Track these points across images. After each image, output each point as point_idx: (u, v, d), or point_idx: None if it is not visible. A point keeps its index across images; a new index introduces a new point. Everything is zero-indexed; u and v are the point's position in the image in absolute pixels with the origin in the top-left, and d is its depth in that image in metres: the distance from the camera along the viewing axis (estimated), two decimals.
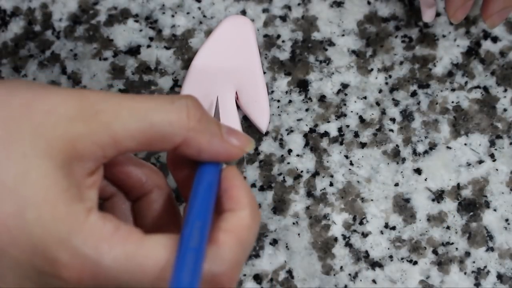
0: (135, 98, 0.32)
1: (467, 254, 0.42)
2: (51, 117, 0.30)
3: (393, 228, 0.42)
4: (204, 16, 0.47)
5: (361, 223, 0.42)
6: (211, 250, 0.31)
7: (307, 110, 0.45)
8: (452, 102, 0.45)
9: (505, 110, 0.45)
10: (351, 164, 0.44)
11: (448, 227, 0.42)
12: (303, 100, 0.45)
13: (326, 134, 0.44)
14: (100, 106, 0.31)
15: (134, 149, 0.32)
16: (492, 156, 0.44)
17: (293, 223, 0.42)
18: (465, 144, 0.44)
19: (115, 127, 0.31)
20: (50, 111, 0.31)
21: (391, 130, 0.44)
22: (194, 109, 0.32)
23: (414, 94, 0.45)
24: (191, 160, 0.34)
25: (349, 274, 0.41)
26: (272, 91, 0.45)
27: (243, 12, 0.47)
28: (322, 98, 0.45)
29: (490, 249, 0.42)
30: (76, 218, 0.30)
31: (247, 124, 0.44)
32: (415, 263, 0.42)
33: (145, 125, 0.31)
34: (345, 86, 0.45)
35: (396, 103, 0.45)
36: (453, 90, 0.45)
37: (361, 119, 0.45)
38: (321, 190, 0.43)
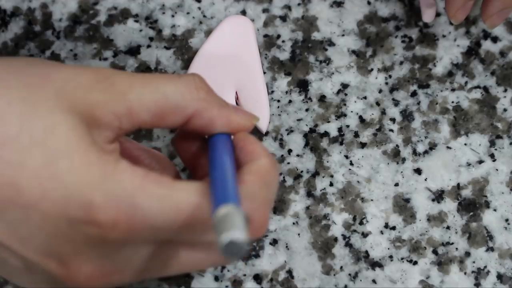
0: (146, 74, 0.33)
1: (467, 254, 0.42)
2: (70, 84, 0.31)
3: (393, 228, 0.42)
4: (204, 16, 0.47)
5: (361, 223, 0.42)
6: (241, 188, 0.31)
7: (307, 110, 0.45)
8: (452, 102, 0.45)
9: (505, 110, 0.45)
10: (351, 164, 0.44)
11: (448, 227, 0.42)
12: (303, 100, 0.45)
13: (326, 134, 0.44)
14: (115, 78, 0.32)
15: (148, 122, 0.32)
16: (492, 156, 0.44)
17: (293, 223, 0.42)
18: (465, 144, 0.44)
19: (130, 97, 0.31)
20: (69, 79, 0.31)
21: (391, 130, 0.44)
22: (201, 82, 0.34)
23: (414, 94, 0.45)
24: (197, 138, 0.35)
25: (349, 274, 0.41)
26: (272, 91, 0.45)
27: (243, 12, 0.47)
28: (322, 98, 0.45)
29: (490, 249, 0.42)
30: (107, 163, 0.30)
31: None
32: (415, 263, 0.42)
33: (159, 96, 0.32)
34: (345, 86, 0.45)
35: (396, 103, 0.45)
36: (453, 90, 0.45)
37: (361, 119, 0.45)
38: (321, 190, 0.43)
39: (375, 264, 0.42)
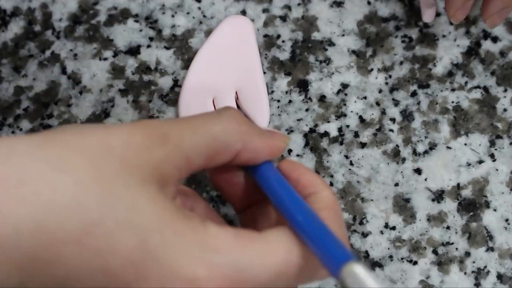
0: (188, 118, 0.32)
1: (467, 254, 0.42)
2: (130, 148, 0.30)
3: (393, 228, 0.42)
4: (204, 16, 0.47)
5: (361, 223, 0.42)
6: None
7: (307, 110, 0.45)
8: (452, 102, 0.45)
9: (505, 110, 0.45)
10: (351, 164, 0.44)
11: (448, 227, 0.42)
12: (303, 100, 0.45)
13: (326, 134, 0.44)
14: (165, 129, 0.31)
15: (202, 165, 0.32)
16: (492, 156, 0.44)
17: None
18: (465, 144, 0.44)
19: (186, 147, 0.31)
20: (127, 142, 0.30)
21: (391, 130, 0.44)
22: (240, 116, 0.33)
23: (414, 94, 0.45)
24: (234, 169, 0.35)
25: None
26: (272, 91, 0.45)
27: (243, 12, 0.47)
28: (322, 98, 0.45)
29: (490, 249, 0.42)
30: (197, 231, 0.30)
31: None
32: (415, 263, 0.42)
33: (209, 138, 0.32)
34: (345, 86, 0.45)
35: (396, 103, 0.45)
36: (453, 90, 0.45)
37: (361, 119, 0.45)
38: None
39: (375, 264, 0.42)
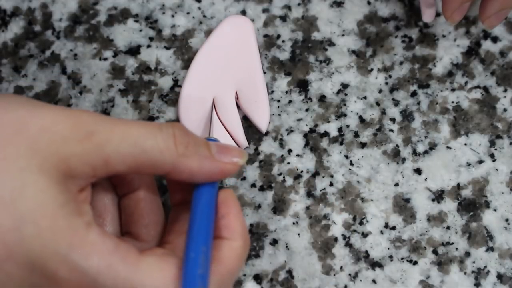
0: (127, 123, 0.32)
1: (467, 254, 0.42)
2: (45, 134, 0.30)
3: (393, 228, 0.42)
4: (204, 16, 0.47)
5: (361, 223, 0.42)
6: (214, 267, 0.32)
7: (307, 110, 0.45)
8: (452, 102, 0.45)
9: (505, 110, 0.45)
10: (351, 164, 0.44)
11: (448, 227, 0.42)
12: (303, 100, 0.45)
13: (326, 134, 0.44)
14: (94, 127, 0.31)
15: (123, 172, 0.32)
16: (492, 156, 0.44)
17: (293, 223, 0.42)
18: (465, 144, 0.44)
19: (107, 150, 0.31)
20: (45, 128, 0.31)
21: (391, 130, 0.44)
22: (181, 136, 0.33)
23: (414, 94, 0.45)
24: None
25: (349, 274, 0.41)
26: (272, 91, 0.45)
27: (243, 12, 0.47)
28: (322, 98, 0.45)
29: (490, 249, 0.42)
30: (75, 232, 0.30)
31: (247, 124, 0.44)
32: (415, 263, 0.42)
33: (137, 150, 0.32)
34: (345, 86, 0.45)
35: (396, 103, 0.45)
36: (453, 90, 0.45)
37: (361, 119, 0.45)
38: (321, 190, 0.43)
39: (375, 264, 0.42)
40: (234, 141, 0.43)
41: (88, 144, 0.31)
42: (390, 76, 0.46)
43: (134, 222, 0.36)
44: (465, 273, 0.41)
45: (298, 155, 0.44)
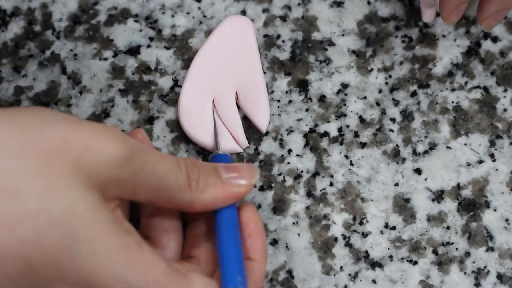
0: (156, 154, 0.32)
1: (467, 254, 0.42)
2: (90, 152, 0.30)
3: (393, 228, 0.42)
4: (204, 16, 0.47)
5: (361, 223, 0.42)
6: None
7: (307, 110, 0.45)
8: (452, 102, 0.45)
9: (505, 110, 0.45)
10: (351, 164, 0.44)
11: (448, 227, 0.42)
12: (303, 100, 0.45)
13: (326, 134, 0.44)
14: (132, 151, 0.31)
15: (141, 201, 0.33)
16: (492, 156, 0.44)
17: (293, 223, 0.42)
18: (465, 144, 0.44)
19: (139, 179, 0.31)
20: (89, 145, 0.30)
21: (391, 130, 0.44)
22: (192, 172, 0.33)
23: (414, 94, 0.45)
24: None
25: (349, 274, 0.41)
26: (272, 91, 0.45)
27: (243, 12, 0.47)
28: (322, 98, 0.45)
29: (490, 249, 0.42)
30: (130, 251, 0.30)
31: (247, 124, 0.44)
32: (415, 263, 0.42)
33: (162, 186, 0.32)
34: (345, 86, 0.45)
35: (396, 103, 0.45)
36: (453, 90, 0.45)
37: (361, 119, 0.45)
38: (321, 190, 0.43)
39: (375, 264, 0.42)
40: (235, 141, 0.43)
41: (126, 170, 0.31)
42: (390, 76, 0.46)
43: (154, 227, 0.36)
44: (465, 273, 0.41)
45: (298, 155, 0.44)
